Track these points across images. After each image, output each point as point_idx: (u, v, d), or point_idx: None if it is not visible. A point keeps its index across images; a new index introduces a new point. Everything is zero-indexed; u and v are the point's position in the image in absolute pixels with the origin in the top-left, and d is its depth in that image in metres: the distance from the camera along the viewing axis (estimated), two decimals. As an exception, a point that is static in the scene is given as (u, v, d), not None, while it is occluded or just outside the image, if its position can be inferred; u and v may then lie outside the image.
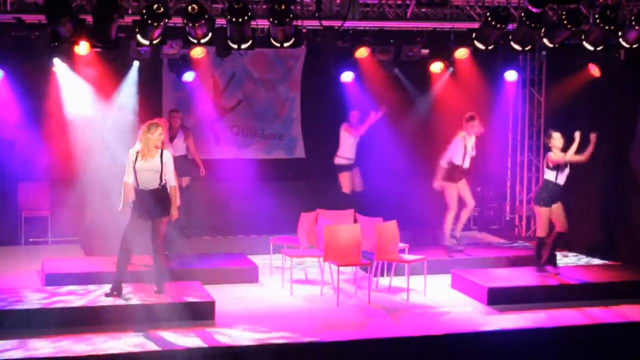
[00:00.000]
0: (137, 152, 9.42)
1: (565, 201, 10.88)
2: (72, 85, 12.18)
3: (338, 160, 13.28)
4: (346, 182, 13.27)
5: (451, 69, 12.76)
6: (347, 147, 13.21)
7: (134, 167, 9.39)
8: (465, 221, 12.23)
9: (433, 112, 13.79)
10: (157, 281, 9.61)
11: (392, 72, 13.35)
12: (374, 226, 10.59)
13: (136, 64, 12.22)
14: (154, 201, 9.44)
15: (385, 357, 8.76)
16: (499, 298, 10.17)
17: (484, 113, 13.97)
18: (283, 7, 10.01)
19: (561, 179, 10.73)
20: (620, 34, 10.90)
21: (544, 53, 13.21)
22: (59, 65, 11.75)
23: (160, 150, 9.46)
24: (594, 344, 9.31)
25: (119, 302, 9.32)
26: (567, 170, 10.73)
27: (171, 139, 12.09)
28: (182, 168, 11.55)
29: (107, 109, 12.14)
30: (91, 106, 12.25)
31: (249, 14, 9.97)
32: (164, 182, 9.47)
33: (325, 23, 10.89)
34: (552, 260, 10.99)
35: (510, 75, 13.78)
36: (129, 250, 9.50)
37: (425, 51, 11.89)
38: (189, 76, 12.58)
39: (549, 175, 10.75)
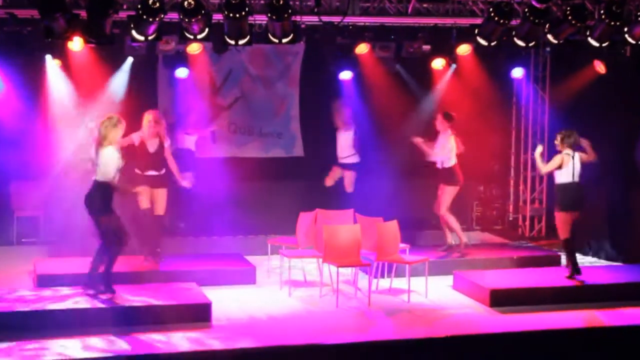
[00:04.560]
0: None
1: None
2: (65, 82, 12.22)
3: None
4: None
5: (454, 65, 12.76)
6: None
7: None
8: (450, 229, 12.11)
9: (434, 110, 13.80)
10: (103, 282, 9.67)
11: (392, 69, 13.36)
12: (375, 226, 10.61)
13: (130, 59, 12.25)
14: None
15: (385, 360, 8.81)
16: (502, 300, 10.18)
17: (486, 110, 14.01)
18: (281, 2, 10.04)
19: None
20: (626, 29, 10.94)
21: (548, 49, 13.24)
22: (52, 62, 11.79)
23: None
24: (599, 348, 9.31)
25: (113, 304, 9.32)
26: None
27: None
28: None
29: (101, 106, 12.16)
30: (84, 103, 12.30)
31: (247, 9, 9.97)
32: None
33: (325, 18, 10.90)
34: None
35: (517, 72, 13.75)
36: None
37: (426, 47, 11.90)
38: (182, 72, 12.58)
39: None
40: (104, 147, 9.49)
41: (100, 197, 9.50)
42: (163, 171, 11.08)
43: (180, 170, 11.40)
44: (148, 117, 10.98)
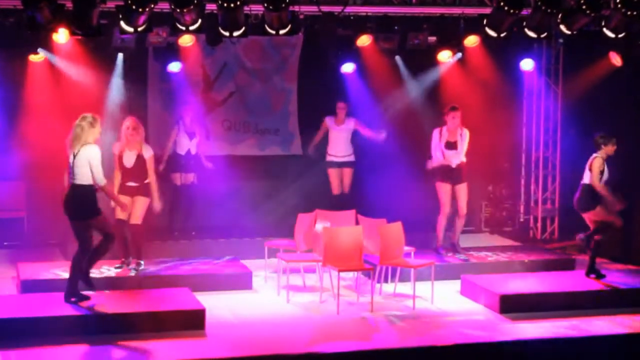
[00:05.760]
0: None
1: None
2: (51, 77, 12.25)
3: (327, 157, 13.40)
4: (332, 181, 13.38)
5: (459, 54, 12.76)
6: (333, 142, 13.31)
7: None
8: (459, 229, 12.16)
9: (440, 105, 13.82)
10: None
11: (395, 62, 13.39)
12: (378, 228, 10.60)
13: (120, 56, 12.28)
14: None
15: (389, 370, 8.82)
16: (513, 305, 10.17)
17: (495, 105, 14.04)
18: (278, -9, 10.08)
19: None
20: (643, 20, 10.96)
21: (561, 41, 13.23)
22: (36, 55, 11.82)
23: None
24: (615, 356, 9.33)
25: (101, 310, 9.31)
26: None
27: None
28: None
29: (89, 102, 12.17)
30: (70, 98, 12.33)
31: (242, -2, 10.02)
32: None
33: (324, 8, 10.92)
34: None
35: (527, 64, 13.74)
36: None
37: (432, 39, 11.92)
38: (174, 67, 12.62)
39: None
40: (81, 147, 9.25)
41: (80, 202, 9.35)
42: (147, 181, 10.88)
43: (179, 171, 11.54)
44: (125, 124, 10.72)
